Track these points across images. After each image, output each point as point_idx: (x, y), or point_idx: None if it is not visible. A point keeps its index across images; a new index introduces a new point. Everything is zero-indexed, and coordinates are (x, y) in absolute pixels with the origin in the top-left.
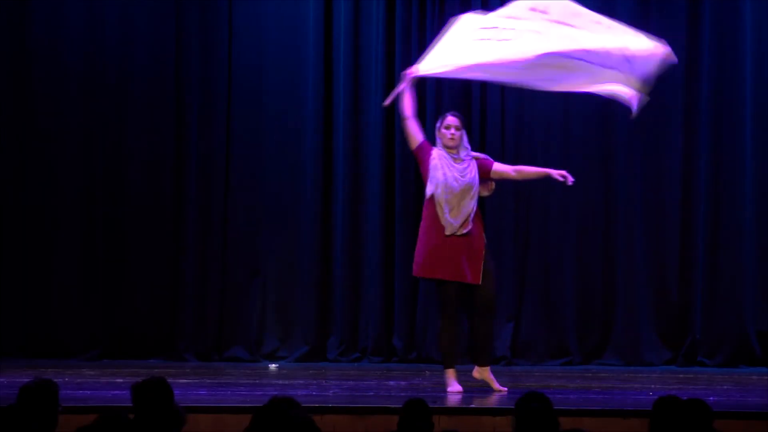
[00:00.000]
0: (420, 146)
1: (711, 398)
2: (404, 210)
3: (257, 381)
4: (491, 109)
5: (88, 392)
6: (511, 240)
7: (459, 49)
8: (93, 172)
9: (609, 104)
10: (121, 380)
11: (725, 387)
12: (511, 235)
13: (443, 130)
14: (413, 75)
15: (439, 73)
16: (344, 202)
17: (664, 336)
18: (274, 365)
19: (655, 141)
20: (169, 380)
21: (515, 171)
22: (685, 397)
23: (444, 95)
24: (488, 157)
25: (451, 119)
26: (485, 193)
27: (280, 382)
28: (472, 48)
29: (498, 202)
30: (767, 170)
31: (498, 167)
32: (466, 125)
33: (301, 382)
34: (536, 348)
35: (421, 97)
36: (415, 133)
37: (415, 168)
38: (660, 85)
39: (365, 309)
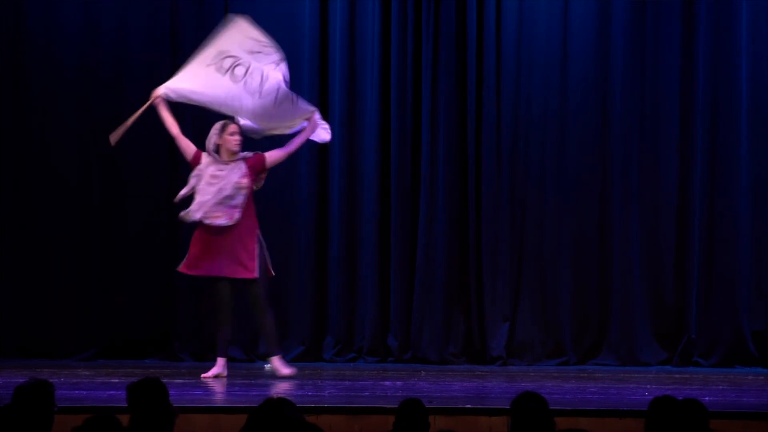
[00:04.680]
0: (195, 155)
1: (706, 398)
2: (400, 209)
3: (252, 381)
4: (487, 108)
5: (84, 392)
6: (507, 240)
7: (200, 75)
8: (88, 172)
9: (606, 104)
10: (116, 380)
11: (721, 387)
12: (507, 235)
13: (228, 137)
14: (160, 96)
15: (180, 97)
16: (339, 201)
17: (659, 336)
18: (269, 365)
19: (651, 142)
20: (165, 380)
21: (286, 151)
22: (681, 397)
23: (440, 95)
24: (258, 153)
25: (236, 127)
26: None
27: (276, 382)
28: (209, 77)
29: (493, 203)
30: (763, 171)
31: (271, 157)
32: (462, 124)
33: (297, 382)
34: (532, 348)
35: (416, 94)
36: (187, 147)
37: (410, 167)
38: (656, 87)
39: (361, 309)
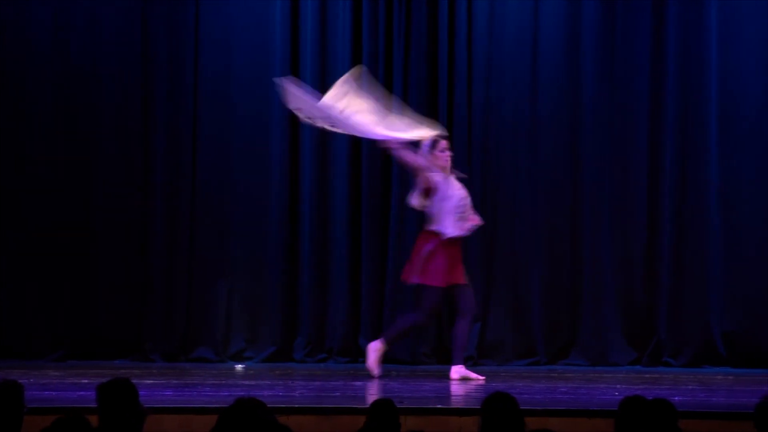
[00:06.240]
0: None
1: (676, 398)
2: (371, 211)
3: (223, 382)
4: (458, 110)
5: (54, 393)
6: (478, 241)
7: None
8: (60, 173)
9: (576, 105)
10: (86, 381)
11: (690, 387)
12: (478, 236)
13: (438, 153)
14: None
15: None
16: (311, 203)
17: (629, 336)
18: (240, 366)
19: (621, 144)
20: (135, 381)
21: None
22: (651, 397)
23: (411, 97)
24: None
25: (446, 143)
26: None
27: (247, 382)
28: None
29: None
30: (732, 173)
31: None
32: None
33: (268, 382)
34: (503, 348)
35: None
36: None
37: (381, 168)
38: (626, 88)
39: (332, 309)
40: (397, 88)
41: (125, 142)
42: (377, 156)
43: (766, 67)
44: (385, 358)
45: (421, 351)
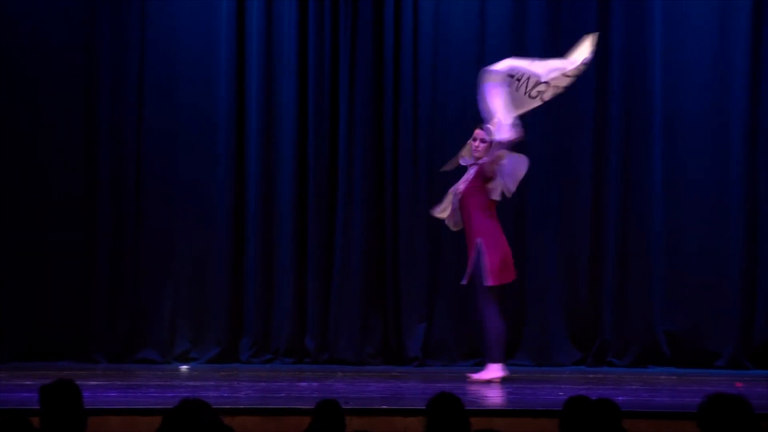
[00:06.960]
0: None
1: (620, 398)
2: (317, 210)
3: (168, 383)
4: (404, 110)
5: None
6: (423, 242)
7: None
8: (3, 173)
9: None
10: (30, 382)
11: (634, 387)
12: (424, 237)
13: (471, 141)
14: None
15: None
16: (257, 202)
17: (574, 337)
18: (185, 367)
19: (566, 145)
20: (79, 382)
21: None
22: (595, 397)
23: (357, 97)
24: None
25: (478, 132)
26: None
27: (192, 383)
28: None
29: (411, 205)
30: (675, 174)
31: (483, 164)
32: (379, 127)
33: (213, 383)
34: (448, 348)
35: (334, 98)
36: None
37: (328, 168)
38: (572, 91)
39: (277, 310)
40: (344, 88)
41: (69, 142)
42: (324, 158)
43: (710, 67)
44: (331, 359)
45: (367, 351)
